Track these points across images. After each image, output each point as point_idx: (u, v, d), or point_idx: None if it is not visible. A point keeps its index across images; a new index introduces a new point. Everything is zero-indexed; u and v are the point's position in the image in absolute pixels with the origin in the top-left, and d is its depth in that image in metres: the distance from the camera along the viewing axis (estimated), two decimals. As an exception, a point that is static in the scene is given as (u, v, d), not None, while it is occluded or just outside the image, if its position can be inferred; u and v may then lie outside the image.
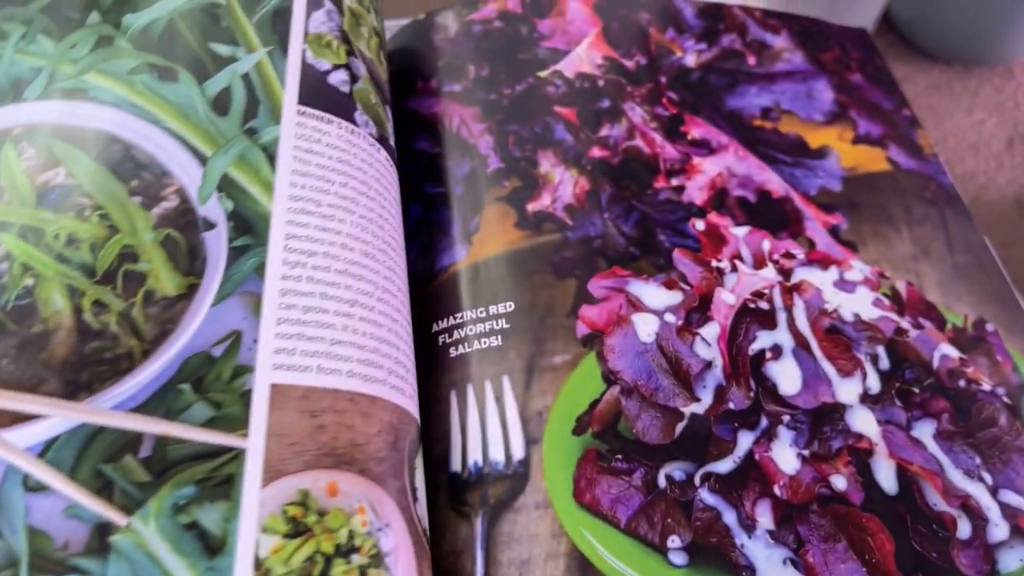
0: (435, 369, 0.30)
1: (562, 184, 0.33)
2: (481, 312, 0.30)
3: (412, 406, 0.27)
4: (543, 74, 0.37)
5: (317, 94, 0.29)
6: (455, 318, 0.31)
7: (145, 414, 0.23)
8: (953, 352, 0.30)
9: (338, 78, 0.29)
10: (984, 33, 0.73)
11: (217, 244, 0.26)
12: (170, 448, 0.22)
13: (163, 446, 0.22)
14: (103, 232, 0.25)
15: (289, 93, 0.28)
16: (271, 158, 0.27)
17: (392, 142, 0.32)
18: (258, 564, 0.21)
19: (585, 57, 0.37)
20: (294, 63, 0.29)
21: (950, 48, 0.75)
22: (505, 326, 0.30)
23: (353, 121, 0.29)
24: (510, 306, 0.30)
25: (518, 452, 0.28)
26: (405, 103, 0.37)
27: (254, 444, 0.22)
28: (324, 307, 0.25)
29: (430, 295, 0.32)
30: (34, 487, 0.21)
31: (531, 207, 0.33)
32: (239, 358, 0.24)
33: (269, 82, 0.28)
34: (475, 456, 0.28)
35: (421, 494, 0.26)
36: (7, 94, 0.28)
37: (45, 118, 0.27)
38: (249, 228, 0.26)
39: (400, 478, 0.24)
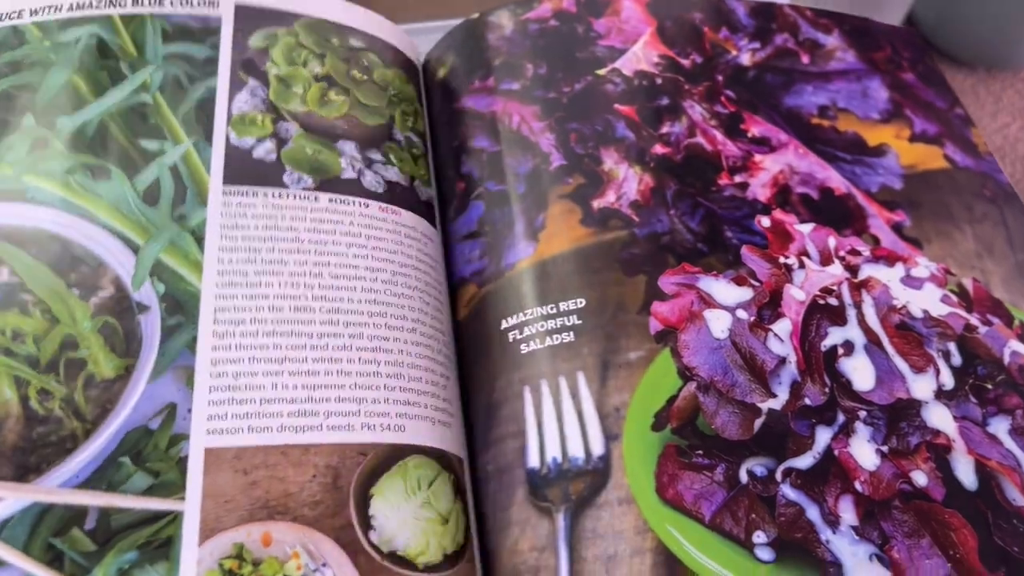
0: (506, 366, 0.30)
1: (627, 181, 0.33)
2: (551, 309, 0.30)
3: (369, 436, 0.27)
4: (601, 72, 0.37)
5: (242, 171, 0.31)
6: (524, 315, 0.30)
7: (89, 488, 0.25)
8: (1022, 348, 0.30)
9: (264, 149, 0.32)
10: (1007, 38, 0.73)
11: (151, 325, 0.28)
12: (113, 518, 0.24)
13: (106, 516, 0.24)
14: (45, 324, 0.27)
15: (215, 176, 0.30)
16: (199, 240, 0.29)
17: (353, 174, 0.32)
18: None
19: (642, 55, 0.37)
20: (218, 147, 0.31)
21: (974, 53, 0.75)
22: (576, 322, 0.30)
23: (281, 184, 0.31)
24: (581, 302, 0.30)
25: (597, 448, 0.28)
26: (462, 102, 0.37)
27: (190, 506, 0.25)
28: (253, 370, 0.27)
29: (497, 292, 0.32)
30: None
31: (596, 204, 0.33)
32: (175, 428, 0.26)
33: (195, 169, 0.31)
34: (553, 452, 0.28)
35: (390, 519, 0.26)
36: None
37: (-12, 221, 0.28)
38: (180, 307, 0.28)
39: (342, 515, 0.26)
